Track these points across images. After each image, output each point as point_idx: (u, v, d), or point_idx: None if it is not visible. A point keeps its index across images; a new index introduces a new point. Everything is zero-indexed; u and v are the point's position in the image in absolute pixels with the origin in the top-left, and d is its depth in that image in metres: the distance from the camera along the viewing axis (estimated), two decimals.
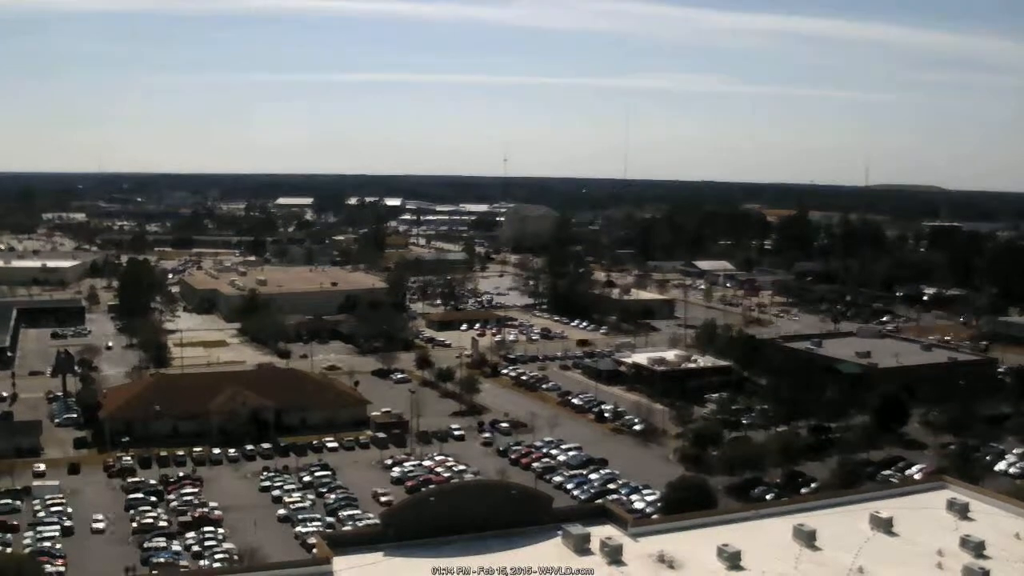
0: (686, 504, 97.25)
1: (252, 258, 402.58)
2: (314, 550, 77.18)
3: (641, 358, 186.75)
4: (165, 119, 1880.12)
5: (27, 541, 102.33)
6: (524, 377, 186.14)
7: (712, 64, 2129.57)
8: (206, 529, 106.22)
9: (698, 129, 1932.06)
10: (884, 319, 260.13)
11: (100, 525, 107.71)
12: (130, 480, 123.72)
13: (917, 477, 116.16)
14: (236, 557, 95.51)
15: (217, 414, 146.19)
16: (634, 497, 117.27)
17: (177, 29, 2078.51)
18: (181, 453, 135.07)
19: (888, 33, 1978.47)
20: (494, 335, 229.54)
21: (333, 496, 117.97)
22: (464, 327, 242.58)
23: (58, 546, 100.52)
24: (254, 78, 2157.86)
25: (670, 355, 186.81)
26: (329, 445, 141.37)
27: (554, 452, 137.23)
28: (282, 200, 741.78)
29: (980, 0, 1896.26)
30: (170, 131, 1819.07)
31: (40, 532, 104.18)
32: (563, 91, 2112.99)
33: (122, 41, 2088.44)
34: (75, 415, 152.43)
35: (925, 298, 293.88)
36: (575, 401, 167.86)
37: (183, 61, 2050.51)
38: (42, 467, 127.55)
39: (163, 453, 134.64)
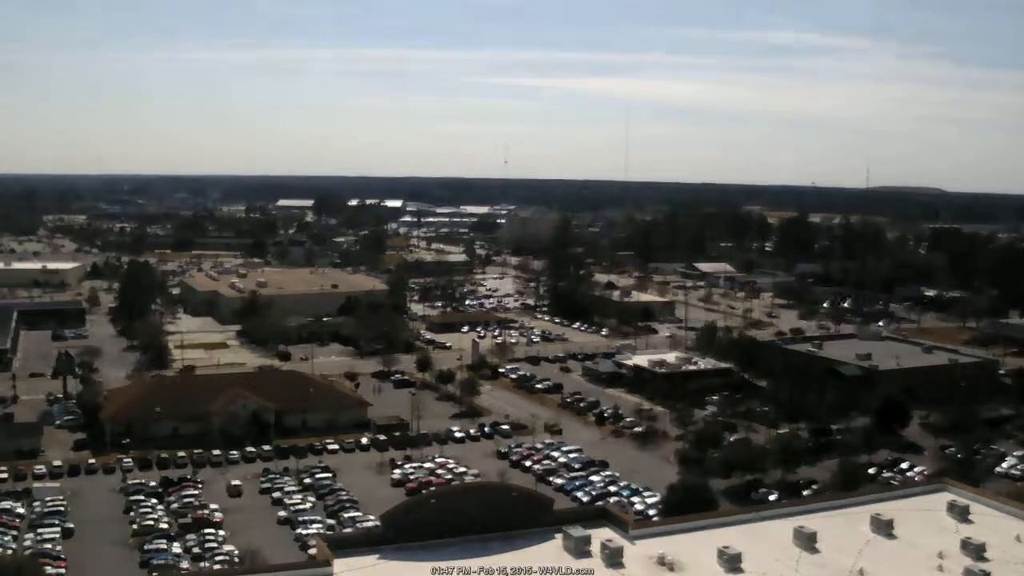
0: (686, 506, 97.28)
1: (253, 260, 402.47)
2: (314, 551, 77.18)
3: (642, 360, 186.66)
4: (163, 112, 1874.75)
5: (27, 543, 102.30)
6: (524, 379, 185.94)
7: (711, 62, 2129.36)
8: (206, 531, 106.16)
9: (698, 129, 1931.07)
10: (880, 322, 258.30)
11: None
12: (130, 481, 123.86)
13: (918, 479, 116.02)
14: (236, 559, 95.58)
15: (217, 416, 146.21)
16: (635, 499, 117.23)
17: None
18: (182, 455, 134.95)
19: (888, 33, 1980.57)
20: (495, 337, 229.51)
21: (333, 498, 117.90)
22: (465, 329, 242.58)
23: (58, 548, 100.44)
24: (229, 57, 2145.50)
25: (671, 357, 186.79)
26: (330, 447, 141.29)
27: (555, 454, 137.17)
28: (282, 202, 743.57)
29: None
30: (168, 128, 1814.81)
31: (40, 534, 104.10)
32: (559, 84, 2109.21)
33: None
34: (75, 417, 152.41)
35: (925, 300, 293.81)
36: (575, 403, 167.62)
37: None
38: (42, 468, 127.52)
39: (163, 455, 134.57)
